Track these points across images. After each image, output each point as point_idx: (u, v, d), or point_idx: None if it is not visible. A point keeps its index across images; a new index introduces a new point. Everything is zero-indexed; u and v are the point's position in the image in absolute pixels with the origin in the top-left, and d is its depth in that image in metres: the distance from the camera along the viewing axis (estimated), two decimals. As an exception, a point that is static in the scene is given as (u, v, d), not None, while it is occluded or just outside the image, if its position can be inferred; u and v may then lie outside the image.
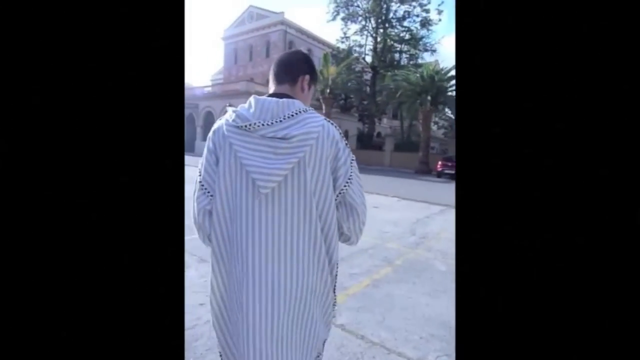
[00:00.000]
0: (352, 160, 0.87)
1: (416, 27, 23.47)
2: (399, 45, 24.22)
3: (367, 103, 23.86)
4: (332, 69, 21.19)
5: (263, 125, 0.78)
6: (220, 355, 0.88)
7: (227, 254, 0.82)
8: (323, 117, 0.84)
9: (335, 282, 0.90)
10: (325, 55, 20.82)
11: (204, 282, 2.60)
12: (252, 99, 0.83)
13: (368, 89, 24.13)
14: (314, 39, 33.22)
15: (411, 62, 23.56)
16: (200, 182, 0.85)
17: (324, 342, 0.93)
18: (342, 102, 28.16)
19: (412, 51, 23.79)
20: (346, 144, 0.87)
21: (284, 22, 29.54)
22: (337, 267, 0.89)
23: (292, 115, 0.80)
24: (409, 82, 17.31)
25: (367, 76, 25.44)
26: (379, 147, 24.40)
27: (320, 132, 0.80)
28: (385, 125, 33.81)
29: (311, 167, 0.80)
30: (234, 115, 0.81)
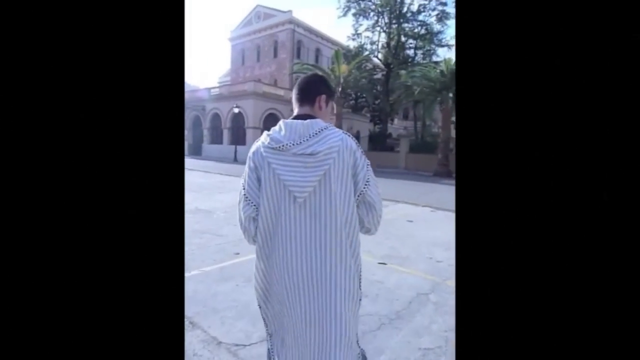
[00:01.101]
0: (368, 165, 1.01)
1: (432, 22, 22.25)
2: (414, 41, 22.97)
3: (379, 102, 22.53)
4: (344, 67, 20.14)
5: (293, 144, 0.94)
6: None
7: (268, 247, 1.01)
8: (341, 131, 0.99)
9: (360, 271, 1.05)
10: (337, 52, 19.76)
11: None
12: (281, 123, 0.99)
13: (379, 87, 22.90)
14: (323, 38, 32.29)
15: (427, 59, 22.31)
16: (245, 195, 1.01)
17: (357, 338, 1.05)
18: (352, 102, 27.05)
19: (428, 47, 22.53)
20: (362, 151, 1.01)
21: (292, 21, 28.64)
22: (360, 258, 1.04)
23: (316, 134, 0.95)
24: (429, 79, 16.12)
25: (379, 75, 24.24)
26: (391, 149, 23.22)
27: (340, 145, 0.95)
28: (396, 125, 32.60)
29: (335, 175, 0.95)
30: (268, 139, 0.98)
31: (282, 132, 0.96)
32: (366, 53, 22.66)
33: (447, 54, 22.39)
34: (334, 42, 32.26)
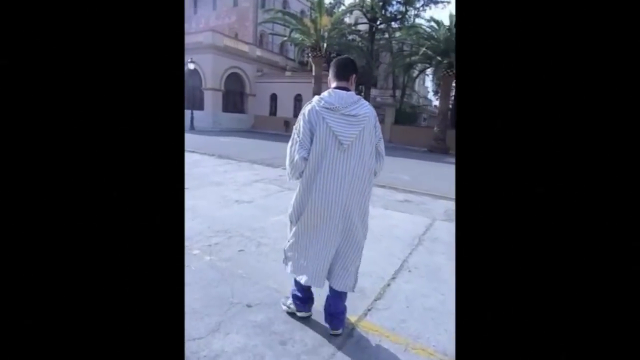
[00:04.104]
0: (380, 127, 1.66)
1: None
2: (403, -5, 19.97)
3: (364, 64, 19.55)
4: (326, 20, 16.82)
5: (341, 107, 1.50)
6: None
7: (311, 179, 1.59)
8: (368, 103, 1.59)
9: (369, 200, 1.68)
10: (319, 0, 16.28)
11: None
12: (331, 91, 1.56)
13: (363, 46, 19.87)
14: (291, -12, 27.94)
15: (422, 16, 19.61)
16: (300, 141, 1.57)
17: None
18: (325, 64, 23.80)
19: (422, 1, 19.76)
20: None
21: (256, -39, 23.95)
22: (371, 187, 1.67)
23: (355, 102, 1.53)
24: (434, 39, 13.61)
25: (361, 32, 21.09)
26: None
27: (369, 111, 1.56)
28: (371, 94, 30.14)
29: (367, 131, 1.56)
30: (322, 102, 1.53)
31: (332, 98, 1.51)
32: (354, 2, 19.27)
33: (443, 13, 19.83)
34: (303, -5, 28.13)
